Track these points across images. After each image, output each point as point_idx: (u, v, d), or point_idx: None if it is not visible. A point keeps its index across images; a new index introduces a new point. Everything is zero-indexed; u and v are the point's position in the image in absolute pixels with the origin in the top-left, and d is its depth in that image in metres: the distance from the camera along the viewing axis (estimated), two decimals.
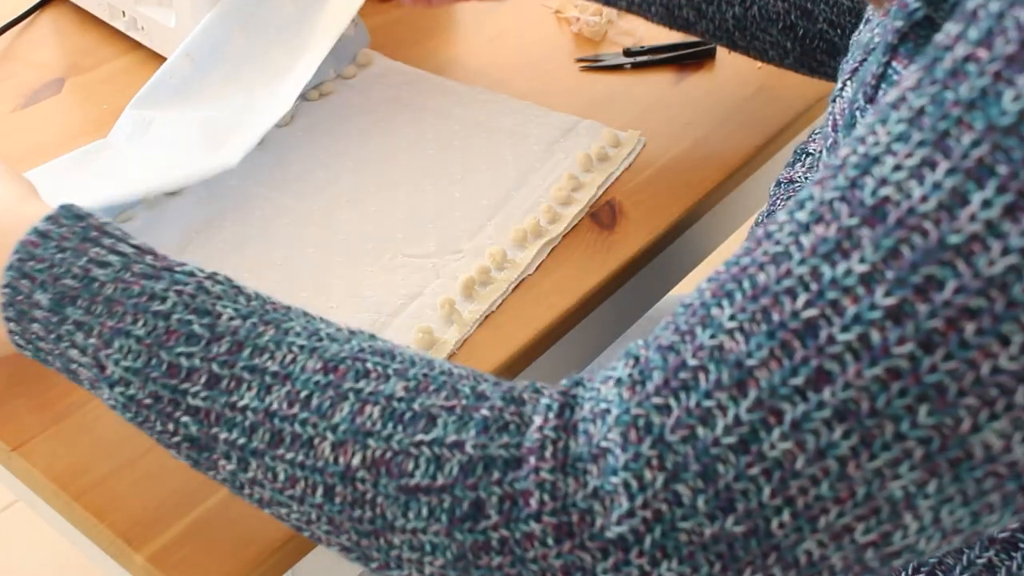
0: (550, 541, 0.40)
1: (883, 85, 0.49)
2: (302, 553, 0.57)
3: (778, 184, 0.68)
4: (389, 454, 0.43)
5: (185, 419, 0.47)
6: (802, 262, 0.38)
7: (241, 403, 0.46)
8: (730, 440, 0.38)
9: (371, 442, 0.43)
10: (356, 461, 0.43)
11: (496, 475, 0.41)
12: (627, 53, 0.94)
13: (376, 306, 0.68)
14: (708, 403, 0.38)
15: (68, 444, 0.59)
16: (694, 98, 0.89)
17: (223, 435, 0.46)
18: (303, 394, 0.45)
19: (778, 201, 0.67)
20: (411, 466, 0.42)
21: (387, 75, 0.90)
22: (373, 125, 0.83)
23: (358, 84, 0.88)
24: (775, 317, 0.38)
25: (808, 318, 0.37)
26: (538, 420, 0.42)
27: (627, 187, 0.80)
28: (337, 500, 0.44)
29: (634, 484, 0.39)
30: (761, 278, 0.39)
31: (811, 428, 0.37)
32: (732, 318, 0.39)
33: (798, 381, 0.37)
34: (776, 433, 0.37)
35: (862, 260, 0.36)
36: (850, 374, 0.36)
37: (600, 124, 0.84)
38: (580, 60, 0.94)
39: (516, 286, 0.71)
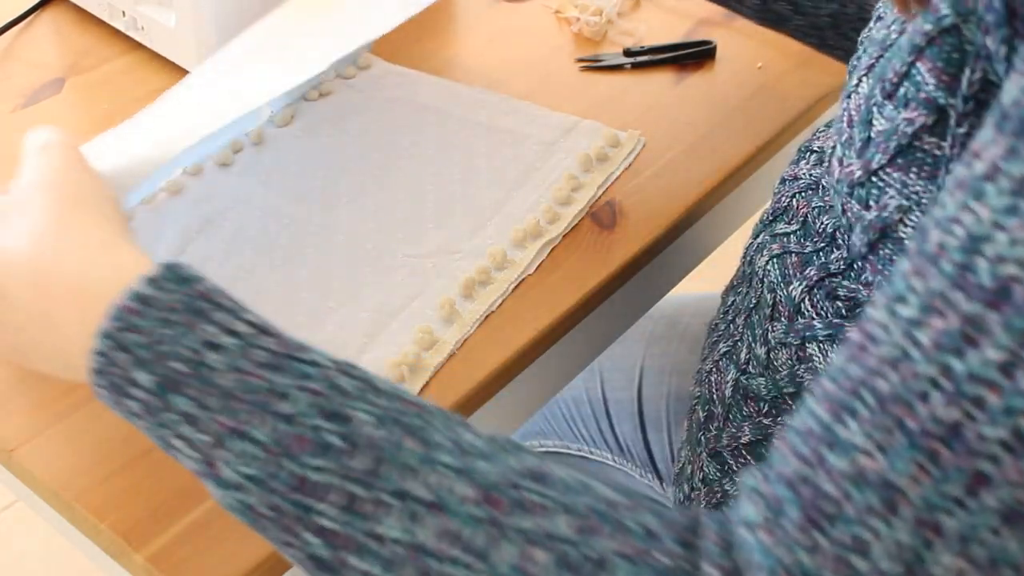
0: None
1: (905, 83, 0.49)
2: None
3: (783, 181, 0.69)
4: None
5: (313, 539, 0.41)
6: (927, 361, 0.35)
7: (384, 532, 0.40)
8: (891, 566, 0.35)
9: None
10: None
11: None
12: (627, 53, 0.94)
13: (376, 306, 0.68)
14: (859, 531, 0.36)
15: (68, 444, 0.59)
16: (694, 98, 0.89)
17: (357, 563, 0.40)
18: (458, 528, 0.39)
19: (783, 198, 0.67)
20: None
21: (387, 76, 0.90)
22: (373, 125, 0.83)
23: (358, 84, 0.88)
24: (911, 425, 0.35)
25: (950, 420, 0.35)
26: (707, 568, 0.38)
27: (627, 187, 0.80)
28: None
29: None
30: (883, 386, 0.36)
31: (978, 538, 0.35)
32: (865, 435, 0.36)
33: (953, 489, 0.34)
34: (940, 550, 0.35)
35: (996, 347, 0.34)
36: (1010, 472, 0.34)
37: (600, 124, 0.84)
38: (580, 60, 0.94)
39: (516, 286, 0.71)
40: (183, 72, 0.88)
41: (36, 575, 1.55)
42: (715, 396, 0.66)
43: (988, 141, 0.36)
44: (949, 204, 0.37)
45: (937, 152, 0.48)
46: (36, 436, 0.60)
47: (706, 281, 1.03)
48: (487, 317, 0.69)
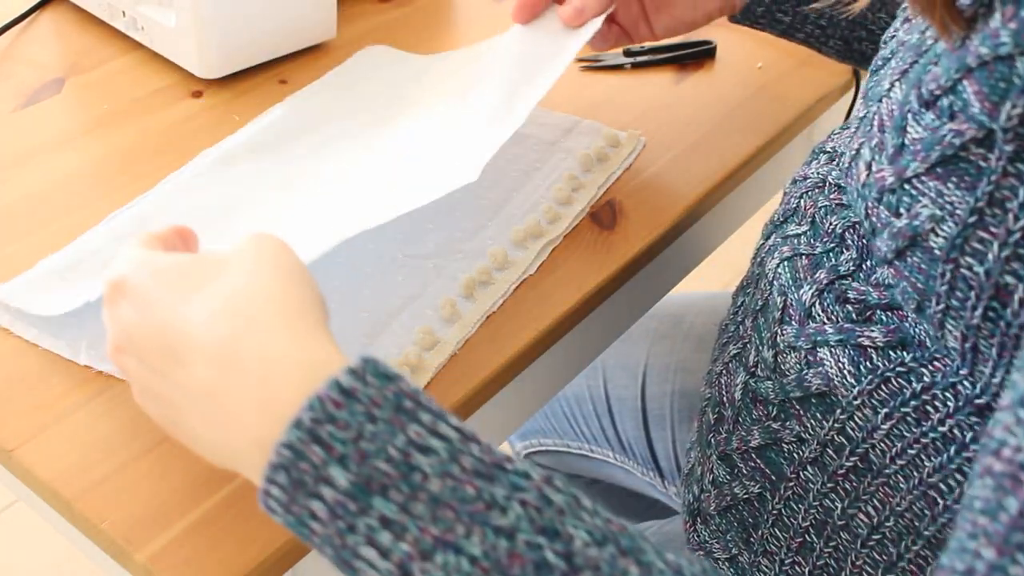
0: None
1: (950, 96, 0.49)
2: (302, 553, 0.57)
3: (794, 182, 0.69)
4: None
5: None
6: None
7: None
8: None
9: None
10: None
11: None
12: (627, 53, 0.94)
13: (377, 306, 0.68)
14: None
15: (68, 444, 0.59)
16: (694, 98, 0.89)
17: None
18: None
19: (792, 198, 0.67)
20: None
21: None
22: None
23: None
24: None
25: None
26: None
27: (627, 187, 0.80)
28: None
29: None
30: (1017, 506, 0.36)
31: None
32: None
33: None
34: None
35: None
36: None
37: (600, 124, 0.84)
38: (580, 60, 0.94)
39: (517, 286, 0.71)
40: (183, 72, 0.88)
41: (36, 575, 1.55)
42: (725, 398, 0.66)
43: None
44: None
45: (982, 164, 0.47)
46: (36, 436, 0.60)
47: (706, 281, 1.03)
48: (488, 317, 0.69)
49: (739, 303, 0.70)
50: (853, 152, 0.59)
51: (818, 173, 0.66)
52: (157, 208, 0.74)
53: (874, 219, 0.55)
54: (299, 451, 0.40)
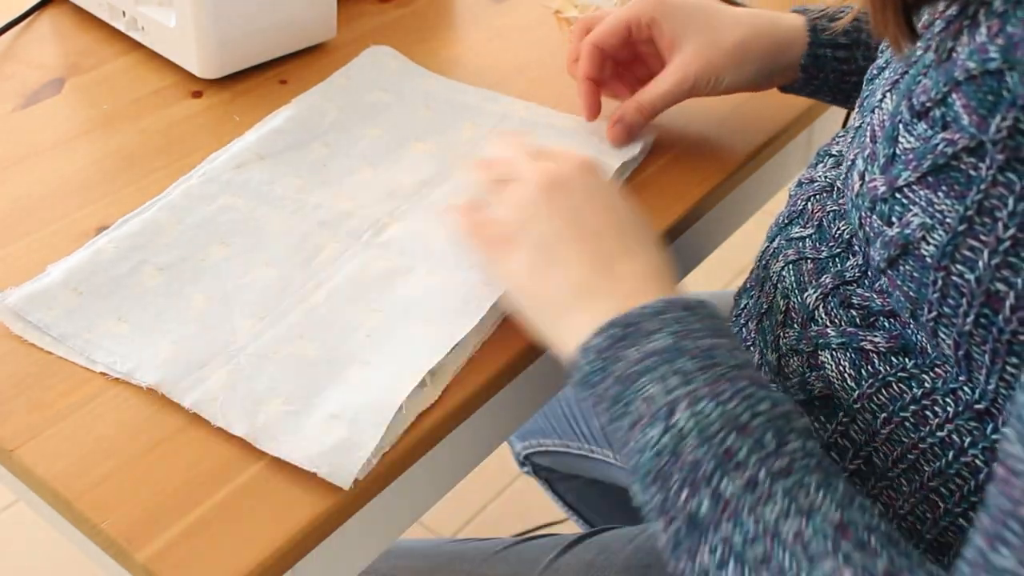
0: None
1: (942, 107, 0.49)
2: (302, 553, 0.57)
3: (799, 184, 0.69)
4: None
5: (704, 497, 0.49)
6: None
7: (759, 512, 0.48)
8: None
9: None
10: None
11: None
12: None
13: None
14: None
15: (68, 444, 0.59)
16: (694, 98, 0.89)
17: (725, 528, 0.48)
18: (808, 536, 0.47)
19: (799, 201, 0.67)
20: None
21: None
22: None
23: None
24: None
25: None
26: None
27: (627, 187, 0.80)
28: None
29: None
30: None
31: None
32: (1017, 560, 0.40)
33: None
34: None
35: None
36: None
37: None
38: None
39: None
40: (183, 72, 0.88)
41: (36, 575, 1.55)
42: None
43: None
44: None
45: (972, 173, 0.48)
46: (36, 436, 0.60)
47: (706, 281, 1.03)
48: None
49: (742, 305, 0.70)
50: (849, 162, 0.59)
51: (825, 177, 0.66)
52: (172, 215, 0.73)
53: (867, 229, 0.55)
54: (638, 318, 0.55)
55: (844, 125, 0.91)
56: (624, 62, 0.82)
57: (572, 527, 1.18)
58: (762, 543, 0.48)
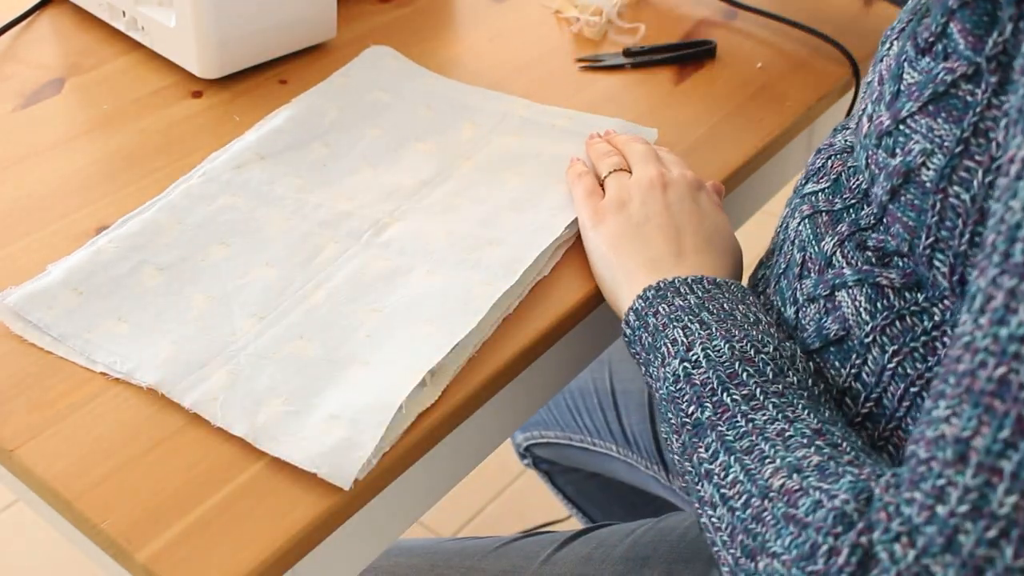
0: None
1: (943, 40, 0.53)
2: (302, 553, 0.57)
3: (818, 151, 0.70)
4: (797, 488, 0.50)
5: (707, 406, 0.57)
6: (984, 336, 0.43)
7: (751, 416, 0.55)
8: (963, 509, 0.42)
9: (796, 476, 0.51)
10: (777, 484, 0.51)
11: (853, 533, 0.46)
12: (627, 53, 0.94)
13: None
14: (940, 482, 0.43)
15: (68, 444, 0.59)
16: (694, 98, 0.90)
17: (720, 428, 0.56)
18: (789, 435, 0.54)
19: (817, 161, 0.68)
20: (801, 502, 0.49)
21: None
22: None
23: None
24: (975, 388, 0.43)
25: (999, 376, 0.42)
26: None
27: None
28: (748, 511, 0.52)
29: (890, 559, 0.44)
30: (960, 367, 0.44)
31: None
32: (947, 408, 0.44)
33: (1005, 434, 0.41)
34: (1001, 490, 0.41)
35: None
36: None
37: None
38: (580, 60, 0.94)
39: (532, 287, 0.71)
40: (183, 72, 0.88)
41: (36, 575, 1.55)
42: None
43: (1016, 147, 0.44)
44: (997, 207, 0.44)
45: (969, 98, 0.51)
46: (36, 436, 0.60)
47: None
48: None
49: (759, 277, 0.71)
50: (860, 112, 0.62)
51: (845, 140, 0.67)
52: (172, 215, 0.73)
53: (873, 166, 0.58)
54: (678, 291, 0.64)
55: (848, 113, 0.91)
56: None
57: (572, 527, 1.18)
58: (749, 438, 0.55)
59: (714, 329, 0.60)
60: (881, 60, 0.60)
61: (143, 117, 0.84)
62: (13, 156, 0.80)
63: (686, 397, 0.59)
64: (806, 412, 0.55)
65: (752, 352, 0.59)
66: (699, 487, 0.56)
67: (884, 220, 0.58)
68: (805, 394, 0.57)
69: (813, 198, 0.65)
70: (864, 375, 0.59)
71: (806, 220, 0.64)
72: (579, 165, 0.78)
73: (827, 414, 0.56)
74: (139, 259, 0.70)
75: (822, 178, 0.66)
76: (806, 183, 0.68)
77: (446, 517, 1.65)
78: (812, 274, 0.62)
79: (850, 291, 0.59)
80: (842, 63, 0.94)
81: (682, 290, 0.64)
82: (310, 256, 0.71)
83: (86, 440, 0.59)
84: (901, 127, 0.55)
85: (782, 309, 0.65)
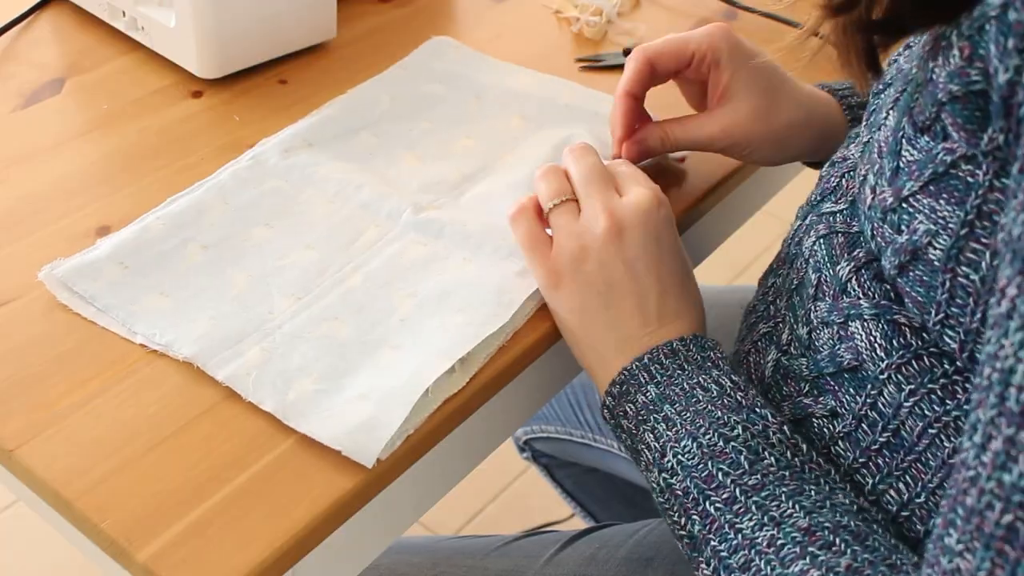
0: None
1: (938, 123, 0.51)
2: (302, 553, 0.57)
3: (832, 164, 0.70)
4: None
5: (695, 518, 0.58)
6: (988, 478, 0.44)
7: (739, 526, 0.56)
8: None
9: None
10: None
11: None
12: (627, 53, 0.93)
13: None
14: None
15: (68, 444, 0.59)
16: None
17: (713, 543, 0.57)
18: (781, 542, 0.54)
19: (832, 178, 0.67)
20: None
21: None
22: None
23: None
24: (986, 530, 0.43)
25: (1007, 523, 0.42)
26: None
27: None
28: None
29: None
30: (968, 501, 0.45)
31: None
32: (959, 542, 0.45)
33: None
34: None
35: None
36: None
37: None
38: (580, 60, 0.94)
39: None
40: (183, 72, 0.88)
41: (36, 575, 1.55)
42: (753, 376, 0.67)
43: (1007, 278, 0.44)
44: (991, 335, 0.44)
45: (970, 179, 0.50)
46: (36, 436, 0.60)
47: (707, 280, 1.02)
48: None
49: (769, 284, 0.70)
50: (861, 177, 0.60)
51: (860, 153, 0.66)
52: (219, 196, 0.75)
53: (879, 239, 0.56)
54: (632, 374, 0.64)
55: None
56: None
57: (574, 527, 1.18)
58: (743, 552, 0.55)
59: (679, 426, 0.60)
60: (879, 128, 0.58)
61: (143, 117, 0.84)
62: (13, 156, 0.80)
63: (674, 508, 0.59)
64: (791, 504, 0.56)
65: (721, 443, 0.58)
66: None
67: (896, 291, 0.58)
68: (786, 475, 0.57)
69: (830, 218, 0.64)
70: (880, 405, 0.58)
71: (821, 240, 0.63)
72: (519, 201, 0.71)
73: (812, 495, 0.56)
74: (184, 237, 0.71)
75: (840, 198, 0.65)
76: (822, 201, 0.67)
77: (446, 517, 1.65)
78: (827, 298, 0.61)
79: (865, 324, 0.58)
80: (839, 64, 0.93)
81: (642, 379, 0.63)
82: (351, 239, 0.72)
83: (86, 440, 0.59)
84: (904, 205, 0.54)
85: (795, 326, 0.64)
